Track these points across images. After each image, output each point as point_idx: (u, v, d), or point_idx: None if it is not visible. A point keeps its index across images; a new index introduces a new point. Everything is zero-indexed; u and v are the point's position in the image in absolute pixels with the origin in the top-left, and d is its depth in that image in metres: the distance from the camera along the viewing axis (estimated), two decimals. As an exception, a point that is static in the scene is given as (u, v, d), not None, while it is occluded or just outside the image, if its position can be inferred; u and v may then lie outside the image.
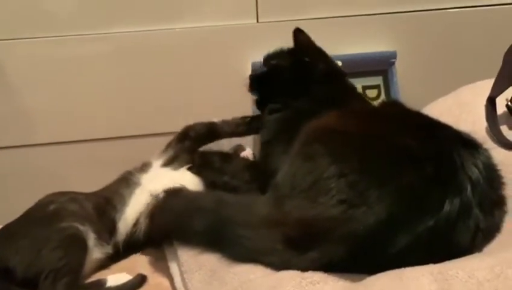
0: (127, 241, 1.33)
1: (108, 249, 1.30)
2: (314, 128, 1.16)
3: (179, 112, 1.89)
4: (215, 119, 1.55)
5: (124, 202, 1.35)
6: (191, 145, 1.50)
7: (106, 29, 1.83)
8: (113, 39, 1.84)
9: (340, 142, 1.08)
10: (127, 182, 1.39)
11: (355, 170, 1.01)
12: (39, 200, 1.35)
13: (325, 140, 1.10)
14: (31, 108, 1.86)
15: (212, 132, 1.53)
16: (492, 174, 1.09)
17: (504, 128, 1.33)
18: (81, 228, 1.25)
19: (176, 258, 1.17)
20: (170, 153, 1.47)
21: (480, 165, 1.05)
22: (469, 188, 1.01)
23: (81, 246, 1.23)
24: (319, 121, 1.18)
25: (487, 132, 1.33)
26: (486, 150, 1.12)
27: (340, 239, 0.98)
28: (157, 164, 1.44)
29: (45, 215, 1.27)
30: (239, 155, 1.55)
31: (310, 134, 1.15)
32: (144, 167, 1.44)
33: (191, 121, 1.88)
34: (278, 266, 1.02)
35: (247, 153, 1.58)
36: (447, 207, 0.98)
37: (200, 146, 1.52)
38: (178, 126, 1.88)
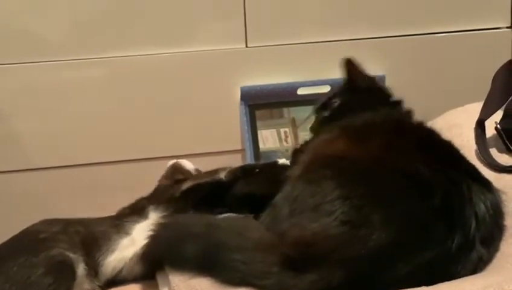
0: (110, 282, 1.32)
1: (96, 287, 1.28)
2: (320, 155, 1.16)
3: (169, 136, 1.90)
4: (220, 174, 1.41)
5: (109, 247, 1.31)
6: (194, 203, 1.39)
7: (97, 54, 1.84)
8: (104, 64, 1.84)
9: (346, 168, 1.07)
10: (117, 228, 1.34)
11: (361, 194, 1.00)
12: (28, 228, 1.33)
13: (331, 165, 1.09)
14: (21, 133, 1.86)
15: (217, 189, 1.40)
16: (498, 214, 1.08)
17: (493, 151, 1.34)
18: (71, 255, 1.23)
19: (167, 283, 1.15)
20: (170, 210, 1.38)
21: (488, 203, 1.04)
22: (474, 224, 1.00)
23: (70, 273, 1.21)
24: (326, 147, 1.18)
25: (477, 154, 1.33)
26: (498, 190, 1.11)
27: (339, 262, 0.96)
28: (154, 215, 1.37)
29: (35, 243, 1.25)
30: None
31: (315, 160, 1.15)
32: (140, 212, 1.38)
33: (181, 145, 1.89)
34: (274, 289, 1.01)
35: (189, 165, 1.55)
36: (449, 241, 0.97)
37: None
38: (168, 150, 1.88)
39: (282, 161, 1.42)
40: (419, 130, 1.24)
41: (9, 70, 1.81)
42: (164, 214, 1.36)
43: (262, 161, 1.81)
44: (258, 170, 1.41)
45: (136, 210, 1.40)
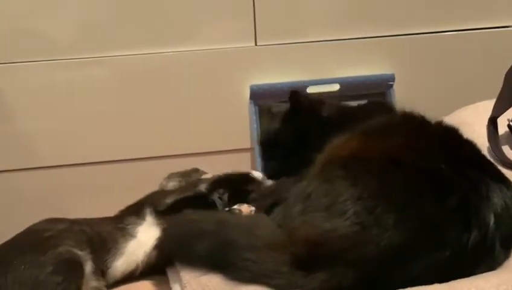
0: (117, 282, 1.32)
1: (102, 286, 1.28)
2: (336, 155, 1.15)
3: (177, 135, 1.89)
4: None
5: (118, 248, 1.32)
6: None
7: (104, 53, 1.83)
8: (111, 63, 1.84)
9: (360, 168, 1.06)
10: (122, 231, 1.35)
11: (374, 194, 1.00)
12: (31, 227, 1.32)
13: (346, 165, 1.09)
14: (29, 131, 1.85)
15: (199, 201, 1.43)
16: None
17: (506, 149, 1.33)
18: (79, 253, 1.23)
19: (178, 280, 1.15)
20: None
21: (508, 201, 1.03)
22: (492, 223, 0.99)
23: (79, 270, 1.21)
24: (341, 146, 1.17)
25: (489, 152, 1.33)
26: None
27: (350, 262, 0.96)
28: (150, 219, 1.38)
29: (41, 241, 1.25)
30: None
31: (331, 160, 1.14)
32: (139, 214, 1.39)
33: (189, 144, 1.89)
34: (285, 288, 1.00)
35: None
36: (465, 240, 0.96)
37: None
38: (177, 149, 1.89)
39: (257, 174, 1.46)
40: (436, 129, 1.23)
41: (16, 69, 1.81)
42: (158, 221, 1.36)
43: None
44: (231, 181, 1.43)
45: (134, 211, 1.40)
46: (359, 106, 1.45)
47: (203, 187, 1.40)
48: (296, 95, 1.40)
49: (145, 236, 1.33)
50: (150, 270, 1.32)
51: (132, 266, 1.32)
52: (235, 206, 1.30)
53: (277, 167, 1.46)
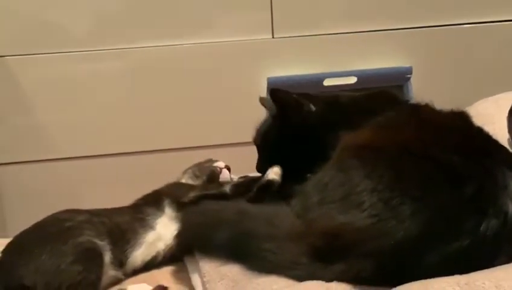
0: (136, 272, 1.32)
1: (120, 275, 1.29)
2: (350, 145, 1.15)
3: (194, 127, 1.90)
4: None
5: (138, 239, 1.32)
6: None
7: (120, 45, 1.85)
8: (128, 55, 1.85)
9: (374, 157, 1.06)
10: (141, 222, 1.35)
11: (389, 185, 0.99)
12: (52, 215, 1.33)
13: (361, 155, 1.08)
14: (46, 123, 1.87)
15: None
16: None
17: (527, 140, 1.33)
18: (99, 242, 1.24)
19: (198, 269, 1.16)
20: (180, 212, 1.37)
21: None
22: (511, 210, 0.98)
23: (99, 259, 1.22)
24: (355, 136, 1.16)
25: (509, 143, 1.32)
26: None
27: (368, 253, 0.96)
28: (169, 211, 1.38)
29: (61, 230, 1.25)
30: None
31: (346, 149, 1.14)
32: (158, 205, 1.38)
33: (206, 136, 1.89)
34: (304, 279, 1.00)
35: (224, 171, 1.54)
36: (483, 229, 0.95)
37: None
38: (194, 141, 1.89)
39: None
40: (447, 118, 1.22)
41: (34, 61, 1.83)
42: (176, 213, 1.37)
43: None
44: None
45: (152, 202, 1.40)
46: (361, 97, 1.41)
47: (227, 188, 1.39)
48: (277, 93, 1.35)
49: (164, 229, 1.33)
50: (169, 261, 1.33)
51: (151, 257, 1.33)
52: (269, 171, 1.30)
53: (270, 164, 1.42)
